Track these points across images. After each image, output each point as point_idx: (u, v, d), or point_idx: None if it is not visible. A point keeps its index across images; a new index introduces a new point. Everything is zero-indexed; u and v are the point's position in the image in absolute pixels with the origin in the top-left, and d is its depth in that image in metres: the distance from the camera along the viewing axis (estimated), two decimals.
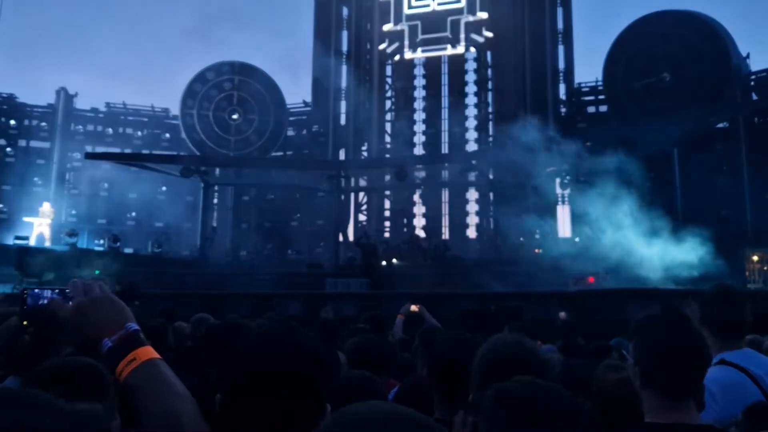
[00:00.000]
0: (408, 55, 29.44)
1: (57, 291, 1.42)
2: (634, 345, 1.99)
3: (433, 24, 28.89)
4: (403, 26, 29.42)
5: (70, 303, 1.36)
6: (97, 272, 18.76)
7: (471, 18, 28.48)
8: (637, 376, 1.90)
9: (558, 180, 24.11)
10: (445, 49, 28.94)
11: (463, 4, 28.55)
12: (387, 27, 29.69)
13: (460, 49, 28.65)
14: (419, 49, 29.35)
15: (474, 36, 28.60)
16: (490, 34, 28.29)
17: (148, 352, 1.28)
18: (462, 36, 28.58)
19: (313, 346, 1.43)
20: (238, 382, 1.33)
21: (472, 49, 28.85)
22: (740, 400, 2.19)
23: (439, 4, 29.01)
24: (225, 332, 3.19)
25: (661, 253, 18.01)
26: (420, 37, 29.18)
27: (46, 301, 1.43)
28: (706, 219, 22.44)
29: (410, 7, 29.38)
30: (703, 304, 2.63)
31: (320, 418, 1.32)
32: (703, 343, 1.93)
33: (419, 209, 28.61)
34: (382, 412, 0.88)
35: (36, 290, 1.45)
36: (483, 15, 28.26)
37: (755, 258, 20.18)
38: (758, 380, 2.35)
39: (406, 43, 29.39)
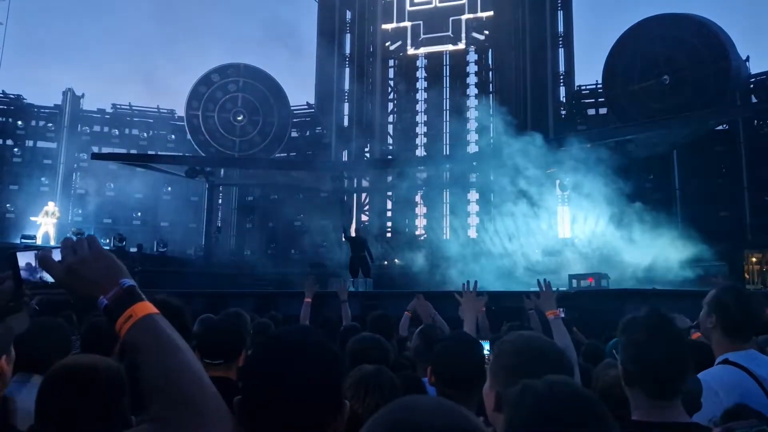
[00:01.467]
0: (410, 51, 29.67)
1: (45, 249, 1.33)
2: (620, 344, 2.05)
3: (435, 24, 29.14)
4: (406, 24, 29.67)
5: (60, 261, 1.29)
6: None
7: (471, 16, 28.72)
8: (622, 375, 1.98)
9: (558, 181, 24.29)
10: (447, 46, 29.20)
11: (464, 0, 28.78)
12: (390, 26, 29.94)
13: (461, 45, 28.90)
14: (422, 48, 29.61)
15: (475, 35, 28.85)
16: (490, 34, 28.54)
17: (146, 307, 1.22)
18: (463, 35, 28.84)
19: (328, 348, 1.47)
20: (257, 386, 1.37)
21: (474, 52, 29.08)
22: (744, 401, 2.21)
23: (440, 1, 29.23)
24: (221, 330, 3.25)
25: (660, 254, 18.15)
26: (422, 36, 29.45)
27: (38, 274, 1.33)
28: (706, 220, 22.60)
29: (412, 4, 29.60)
30: (720, 305, 2.64)
31: (339, 416, 1.40)
32: (684, 343, 2.00)
33: (421, 210, 28.81)
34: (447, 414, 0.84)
35: (25, 252, 1.36)
36: (483, 14, 28.52)
37: (754, 259, 20.26)
38: (762, 381, 2.39)
39: (409, 41, 29.64)
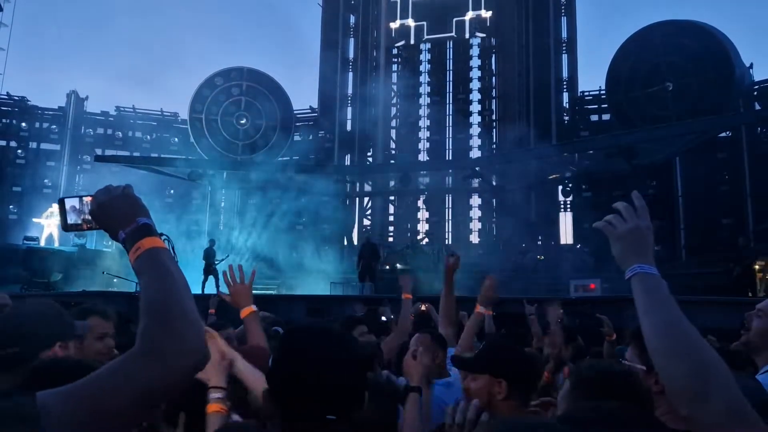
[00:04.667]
0: (414, 42, 29.70)
1: (87, 196, 1.55)
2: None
3: (439, 23, 29.22)
4: (410, 24, 29.75)
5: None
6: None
7: (474, 14, 28.82)
8: (654, 382, 1.89)
9: (560, 187, 24.30)
10: (450, 39, 29.32)
11: None
12: (394, 24, 30.02)
13: (465, 37, 28.99)
14: (425, 42, 29.73)
15: (479, 34, 28.99)
16: (494, 39, 28.63)
17: (152, 242, 1.40)
18: (467, 32, 28.97)
19: (351, 339, 1.64)
20: (294, 372, 1.49)
21: (477, 57, 29.16)
22: None
23: None
24: None
25: (662, 260, 18.11)
26: (426, 36, 29.58)
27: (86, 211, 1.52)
28: (708, 227, 22.57)
29: None
30: None
31: (360, 406, 1.54)
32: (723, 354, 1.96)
33: (423, 214, 28.81)
34: None
35: (72, 198, 1.57)
36: (486, 15, 28.64)
37: (757, 266, 20.14)
38: None
39: (413, 40, 29.77)
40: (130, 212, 1.44)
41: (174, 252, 1.47)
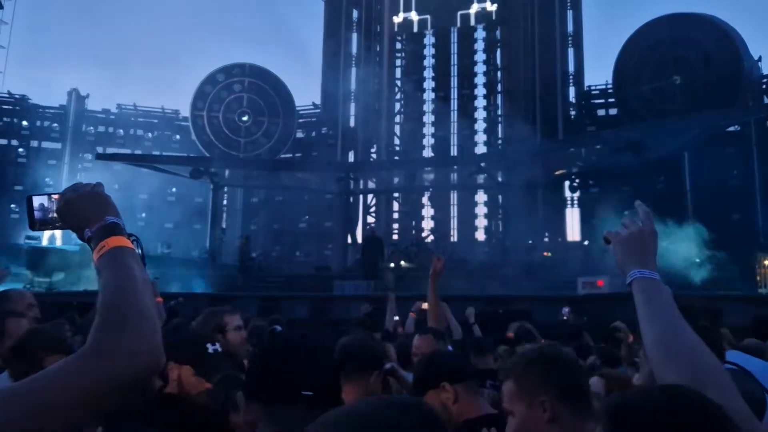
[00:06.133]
0: (416, 25, 29.43)
1: (55, 194, 1.53)
2: None
3: (444, 17, 28.99)
4: (414, 16, 29.50)
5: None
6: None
7: (479, 7, 28.54)
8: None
9: (567, 183, 24.06)
10: (455, 31, 29.11)
11: None
12: (398, 19, 29.77)
13: (471, 24, 28.89)
14: (429, 35, 29.49)
15: (482, 31, 28.76)
16: (499, 34, 28.39)
17: (118, 241, 1.37)
18: (472, 21, 28.75)
19: (323, 350, 1.73)
20: (267, 365, 1.62)
21: (482, 51, 28.89)
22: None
23: None
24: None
25: (669, 257, 17.85)
26: (430, 29, 29.34)
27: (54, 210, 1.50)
28: (717, 222, 22.25)
29: None
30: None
31: (337, 391, 1.63)
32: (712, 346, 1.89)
33: (428, 211, 28.58)
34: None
35: (39, 195, 1.54)
36: (491, 8, 28.38)
37: (766, 263, 19.92)
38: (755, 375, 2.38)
39: (415, 28, 29.56)
40: (97, 210, 1.42)
41: (143, 253, 1.42)
